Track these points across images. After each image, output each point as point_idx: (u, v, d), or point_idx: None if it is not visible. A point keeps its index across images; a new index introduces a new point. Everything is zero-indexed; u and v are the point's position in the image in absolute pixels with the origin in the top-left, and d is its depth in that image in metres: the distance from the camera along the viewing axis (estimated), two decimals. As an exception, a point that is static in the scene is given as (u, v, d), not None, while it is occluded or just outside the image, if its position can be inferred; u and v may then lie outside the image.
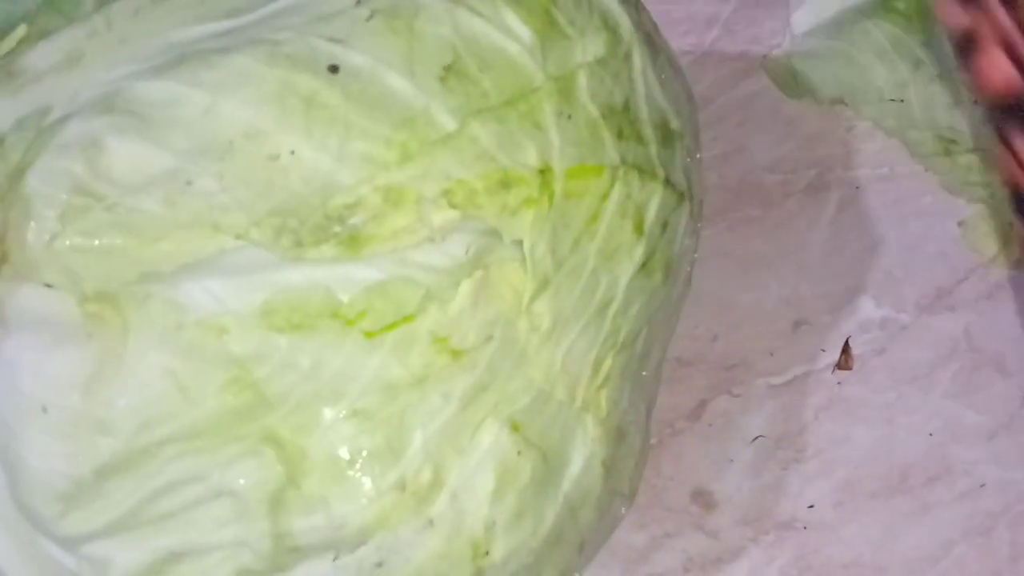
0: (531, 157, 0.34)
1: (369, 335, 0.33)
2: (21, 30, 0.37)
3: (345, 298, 0.32)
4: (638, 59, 0.40)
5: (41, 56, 0.35)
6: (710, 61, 0.63)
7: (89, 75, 0.34)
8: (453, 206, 0.33)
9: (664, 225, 0.39)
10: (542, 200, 0.34)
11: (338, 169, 0.32)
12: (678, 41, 0.45)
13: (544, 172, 0.35)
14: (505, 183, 0.34)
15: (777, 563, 0.49)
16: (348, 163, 0.32)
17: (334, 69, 0.33)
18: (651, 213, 0.38)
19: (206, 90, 0.33)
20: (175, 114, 0.33)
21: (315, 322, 0.32)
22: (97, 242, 0.32)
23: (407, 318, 0.33)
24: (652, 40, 0.42)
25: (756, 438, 0.52)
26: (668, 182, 0.39)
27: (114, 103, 0.33)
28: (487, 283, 0.35)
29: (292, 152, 0.32)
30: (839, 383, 0.53)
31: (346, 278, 0.32)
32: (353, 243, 0.32)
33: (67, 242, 0.32)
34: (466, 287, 0.34)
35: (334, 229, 0.32)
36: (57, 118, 0.33)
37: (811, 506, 0.50)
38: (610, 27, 0.39)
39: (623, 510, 0.41)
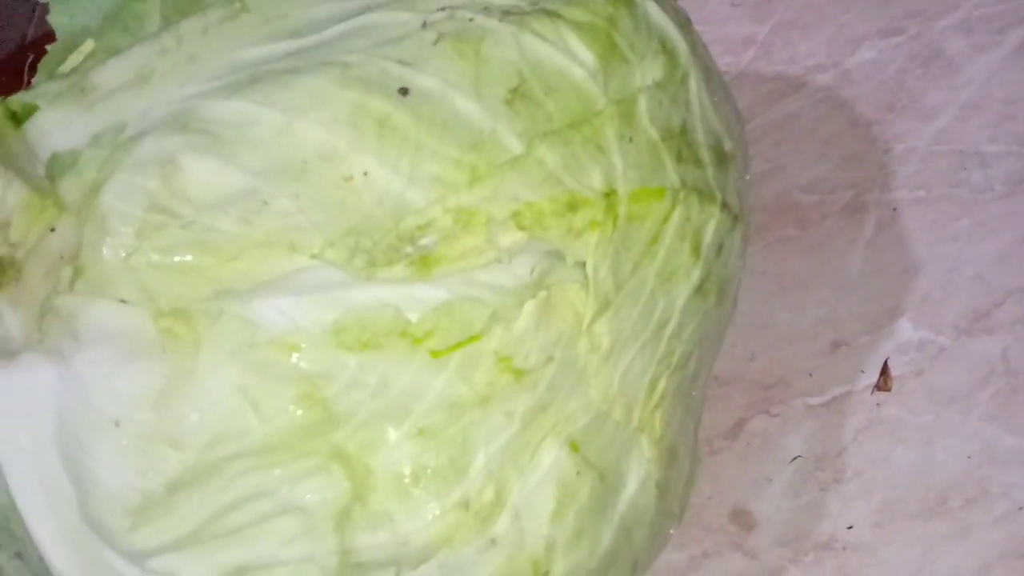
0: (596, 180, 0.35)
1: (436, 354, 0.33)
2: (88, 45, 0.38)
3: (413, 317, 0.33)
4: (694, 83, 0.40)
5: (113, 72, 0.35)
6: (747, 81, 0.63)
7: (160, 92, 0.35)
8: (521, 227, 0.33)
9: (719, 248, 0.39)
10: (607, 223, 0.35)
11: (410, 190, 0.33)
12: (715, 62, 0.46)
13: (609, 195, 0.35)
14: (572, 205, 0.34)
15: (816, 584, 0.49)
16: (419, 184, 0.33)
17: (404, 92, 0.34)
18: (708, 236, 0.38)
19: (279, 110, 0.33)
20: (249, 134, 0.33)
21: (383, 341, 0.32)
22: (175, 259, 0.32)
23: (473, 338, 0.33)
24: (705, 63, 0.42)
25: (795, 458, 0.52)
26: (725, 204, 0.39)
27: (187, 122, 0.33)
28: (549, 304, 0.35)
29: (365, 173, 0.33)
30: (878, 404, 0.53)
31: (415, 298, 0.33)
32: (424, 263, 0.33)
33: (144, 259, 0.32)
34: (530, 307, 0.34)
35: (406, 250, 0.32)
36: (131, 135, 0.34)
37: (850, 527, 0.50)
38: (668, 51, 0.39)
39: (672, 531, 0.41)
